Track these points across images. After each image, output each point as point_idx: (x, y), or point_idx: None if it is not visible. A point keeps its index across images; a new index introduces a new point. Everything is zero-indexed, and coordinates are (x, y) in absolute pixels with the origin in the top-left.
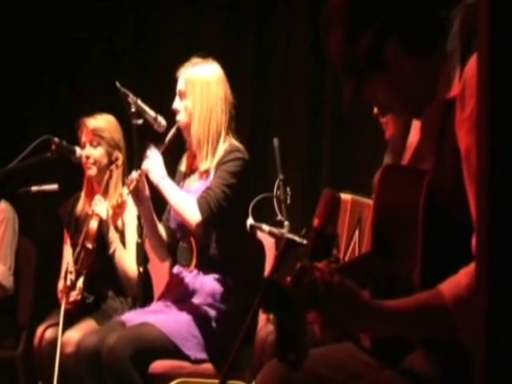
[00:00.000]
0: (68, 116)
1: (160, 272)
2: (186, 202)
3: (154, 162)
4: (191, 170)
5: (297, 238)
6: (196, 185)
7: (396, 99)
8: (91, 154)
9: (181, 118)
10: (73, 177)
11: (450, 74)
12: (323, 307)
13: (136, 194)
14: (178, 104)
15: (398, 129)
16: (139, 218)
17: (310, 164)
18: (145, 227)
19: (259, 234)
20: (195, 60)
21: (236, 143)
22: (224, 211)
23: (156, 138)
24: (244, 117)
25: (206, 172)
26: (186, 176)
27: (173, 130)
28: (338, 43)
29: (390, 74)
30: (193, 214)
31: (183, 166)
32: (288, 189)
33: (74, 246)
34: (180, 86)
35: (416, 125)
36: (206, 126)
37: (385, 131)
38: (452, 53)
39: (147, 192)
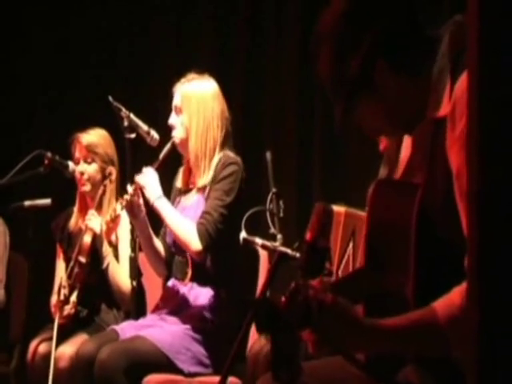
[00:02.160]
0: (61, 130)
1: (154, 285)
2: (186, 228)
3: (149, 179)
4: (187, 185)
5: (289, 251)
6: (193, 199)
7: (385, 121)
8: (85, 170)
9: (177, 133)
10: (65, 191)
11: (439, 92)
12: (316, 325)
13: (132, 209)
14: (173, 119)
15: (392, 140)
16: (132, 233)
17: (302, 177)
18: (141, 243)
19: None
20: (191, 76)
21: (231, 154)
22: (222, 232)
23: (149, 152)
24: (235, 130)
25: (203, 188)
26: (182, 192)
27: (168, 146)
28: (327, 66)
29: (379, 95)
30: (193, 243)
31: (179, 182)
32: (281, 202)
33: (67, 260)
34: (176, 101)
35: (407, 139)
36: (204, 141)
37: (379, 143)
38: (441, 71)
39: (143, 208)
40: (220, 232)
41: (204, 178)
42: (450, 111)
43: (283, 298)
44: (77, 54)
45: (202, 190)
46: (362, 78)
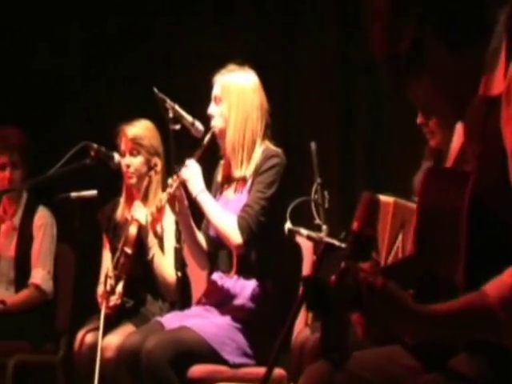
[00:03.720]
0: (105, 121)
1: (199, 277)
2: (227, 221)
3: (193, 172)
4: (228, 178)
5: (335, 242)
6: (235, 192)
7: (437, 98)
8: (131, 163)
9: (216, 123)
10: (111, 182)
11: (493, 70)
12: (366, 308)
13: (174, 203)
14: (213, 109)
15: (445, 138)
16: (177, 224)
17: (347, 167)
18: (183, 235)
19: (297, 238)
20: (231, 67)
21: (273, 147)
22: (263, 224)
23: (193, 144)
24: (277, 121)
25: (243, 180)
26: (223, 186)
27: (208, 136)
28: (379, 40)
29: (430, 71)
30: (234, 236)
31: (219, 175)
32: (326, 192)
33: (113, 251)
34: (216, 91)
35: (459, 129)
36: (242, 132)
37: (429, 140)
38: (496, 49)
39: (185, 201)
40: (261, 225)
41: (241, 170)
42: (505, 89)
43: (333, 277)
44: (121, 47)
45: (242, 182)
46: (413, 53)
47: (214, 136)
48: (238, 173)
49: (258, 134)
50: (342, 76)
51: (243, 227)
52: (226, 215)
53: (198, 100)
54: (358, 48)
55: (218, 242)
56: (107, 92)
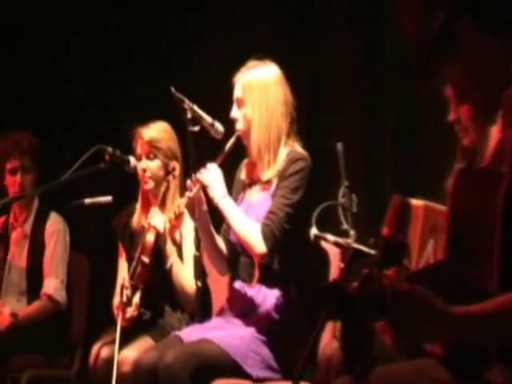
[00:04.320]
0: (120, 123)
1: (219, 286)
2: (250, 229)
3: (214, 177)
4: (252, 179)
5: (364, 248)
6: (258, 197)
7: (470, 83)
8: (148, 167)
9: (240, 126)
10: (127, 188)
11: None
12: (392, 316)
13: (193, 208)
14: (235, 112)
15: (479, 136)
16: (197, 231)
17: (375, 169)
18: (202, 241)
19: (324, 244)
20: (251, 63)
21: (298, 149)
22: (288, 232)
23: (214, 146)
24: (302, 120)
25: (267, 182)
26: (247, 186)
27: (232, 140)
28: (411, 22)
29: (464, 55)
30: (257, 245)
31: (243, 174)
32: (353, 196)
33: (129, 260)
34: (237, 93)
35: (495, 130)
36: (267, 132)
37: (461, 139)
38: None
39: (205, 206)
40: (286, 232)
41: (269, 172)
42: None
43: (355, 284)
44: (138, 46)
45: (267, 185)
46: (446, 35)
47: (238, 140)
48: (265, 175)
49: (283, 131)
50: (369, 74)
51: (267, 235)
52: (249, 222)
53: (218, 100)
54: (386, 45)
55: (238, 248)
56: (123, 93)
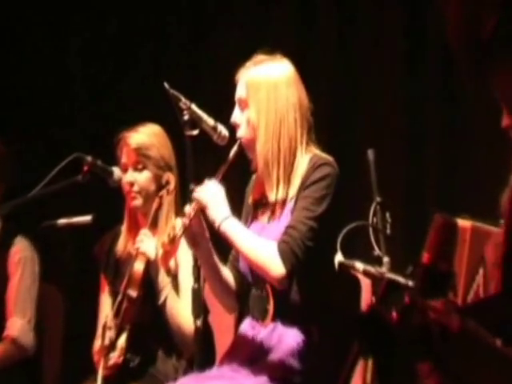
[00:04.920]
0: (105, 127)
1: (224, 326)
2: (263, 248)
3: (213, 196)
4: (261, 201)
5: (401, 279)
6: (274, 215)
7: None
8: (135, 179)
9: (242, 133)
10: (111, 206)
11: None
12: (439, 357)
13: (190, 235)
14: (237, 116)
15: None
16: (196, 258)
17: (414, 182)
18: (205, 274)
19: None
20: (259, 58)
21: (322, 154)
22: (311, 251)
23: (216, 153)
24: (323, 125)
25: (281, 203)
26: (256, 211)
27: (234, 150)
28: (456, 25)
29: None
30: (274, 265)
31: (250, 199)
32: (387, 215)
33: (113, 294)
34: (240, 92)
35: None
36: (276, 141)
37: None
38: None
39: (205, 232)
40: (309, 251)
41: (278, 191)
42: None
43: (394, 315)
44: (127, 31)
45: (281, 205)
46: (498, 38)
47: (240, 149)
48: (273, 195)
49: (297, 140)
50: (408, 73)
51: (286, 253)
52: (260, 242)
53: (223, 102)
54: (426, 40)
55: (249, 278)
56: (108, 91)
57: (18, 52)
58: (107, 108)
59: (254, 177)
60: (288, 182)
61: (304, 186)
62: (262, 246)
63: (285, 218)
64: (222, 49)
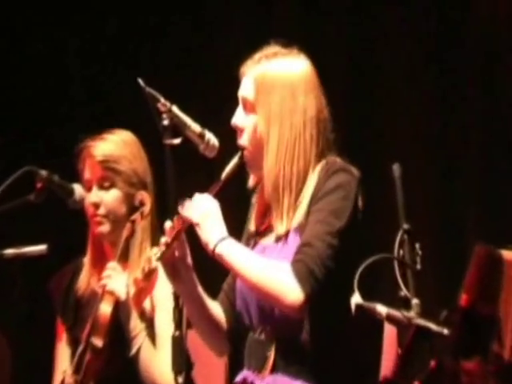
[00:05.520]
0: (67, 134)
1: (212, 382)
2: (274, 271)
3: (206, 212)
4: (264, 227)
5: (432, 326)
6: (275, 245)
7: None
8: (102, 200)
9: (246, 141)
10: (70, 232)
11: None
12: None
13: (170, 262)
14: (241, 118)
15: None
16: (177, 297)
17: (449, 206)
18: (188, 312)
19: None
20: (271, 49)
21: (336, 158)
22: (332, 272)
23: (203, 167)
24: (337, 134)
25: (286, 235)
26: (258, 236)
27: (234, 161)
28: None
29: None
30: (290, 291)
31: (252, 223)
32: (417, 246)
33: (73, 343)
34: (246, 91)
35: None
36: (289, 164)
37: None
38: None
39: (188, 258)
40: (330, 272)
41: (287, 221)
42: None
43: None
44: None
45: (283, 237)
46: None
47: (241, 161)
48: (282, 227)
49: (311, 162)
50: (438, 75)
51: (303, 274)
52: (269, 261)
53: (224, 106)
54: (460, 35)
55: (246, 320)
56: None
57: (17, 52)
58: (107, 108)
59: (254, 198)
60: (295, 210)
61: (316, 199)
62: (271, 266)
63: (291, 244)
64: (223, 49)
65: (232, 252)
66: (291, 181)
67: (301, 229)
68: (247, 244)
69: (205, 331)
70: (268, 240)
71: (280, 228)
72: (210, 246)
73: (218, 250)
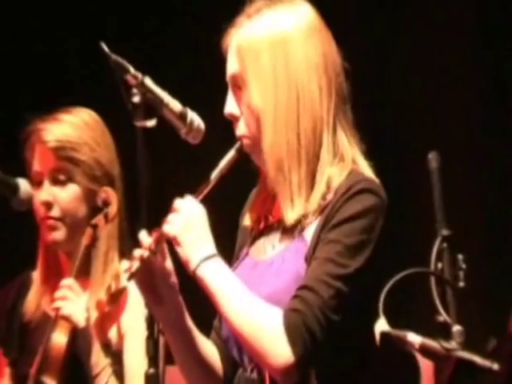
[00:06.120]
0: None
1: None
2: (260, 319)
3: (191, 223)
4: (265, 221)
5: (478, 359)
6: (277, 249)
7: None
8: (55, 198)
9: (243, 129)
10: (15, 239)
11: None
12: None
13: (146, 283)
14: (233, 104)
15: None
16: (152, 322)
17: (499, 208)
18: (171, 346)
19: (403, 347)
20: (255, 5)
21: (363, 169)
22: (336, 326)
23: (186, 156)
24: (362, 116)
25: (299, 225)
26: (257, 237)
27: (230, 154)
28: None
29: None
30: (276, 351)
31: (247, 219)
32: (460, 258)
33: (17, 381)
34: (232, 66)
35: None
36: (292, 128)
37: None
38: None
39: (172, 276)
40: (332, 325)
41: (299, 207)
42: None
43: None
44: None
45: (291, 230)
46: None
47: (240, 153)
48: (291, 213)
49: (323, 120)
50: (489, 61)
51: (297, 329)
52: (258, 304)
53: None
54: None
55: (236, 356)
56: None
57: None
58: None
59: (252, 194)
60: (311, 189)
61: (332, 221)
62: (258, 312)
63: (294, 254)
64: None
65: (215, 278)
66: (299, 150)
67: (307, 257)
68: (239, 251)
69: (193, 375)
70: (266, 248)
71: (290, 215)
72: (191, 266)
73: (199, 273)
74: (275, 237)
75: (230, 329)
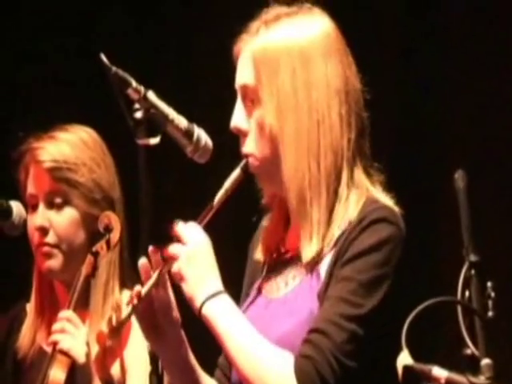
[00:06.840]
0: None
1: None
2: (270, 364)
3: (194, 256)
4: (278, 255)
5: None
6: (291, 285)
7: None
8: (51, 223)
9: (251, 146)
10: (8, 268)
11: None
12: None
13: (147, 318)
14: (242, 117)
15: None
16: (156, 360)
17: None
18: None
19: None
20: (273, 13)
21: (381, 197)
22: (351, 371)
23: (193, 176)
24: (384, 129)
25: (314, 263)
26: (269, 272)
27: (235, 173)
28: None
29: None
30: None
31: (259, 253)
32: (489, 285)
33: None
34: (244, 76)
35: None
36: (314, 159)
37: None
38: None
39: (175, 311)
40: (348, 373)
41: (317, 243)
42: None
43: None
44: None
45: (306, 264)
46: None
47: (246, 173)
48: (309, 250)
49: (344, 153)
50: None
51: (308, 378)
52: (268, 348)
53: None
54: None
55: None
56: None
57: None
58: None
59: (264, 221)
60: (328, 227)
61: (345, 255)
62: (268, 358)
63: (310, 294)
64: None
65: (222, 319)
66: (320, 185)
67: (320, 293)
68: (249, 287)
69: None
70: (278, 284)
71: (308, 253)
72: (196, 304)
73: (205, 312)
74: (289, 272)
75: (237, 373)
